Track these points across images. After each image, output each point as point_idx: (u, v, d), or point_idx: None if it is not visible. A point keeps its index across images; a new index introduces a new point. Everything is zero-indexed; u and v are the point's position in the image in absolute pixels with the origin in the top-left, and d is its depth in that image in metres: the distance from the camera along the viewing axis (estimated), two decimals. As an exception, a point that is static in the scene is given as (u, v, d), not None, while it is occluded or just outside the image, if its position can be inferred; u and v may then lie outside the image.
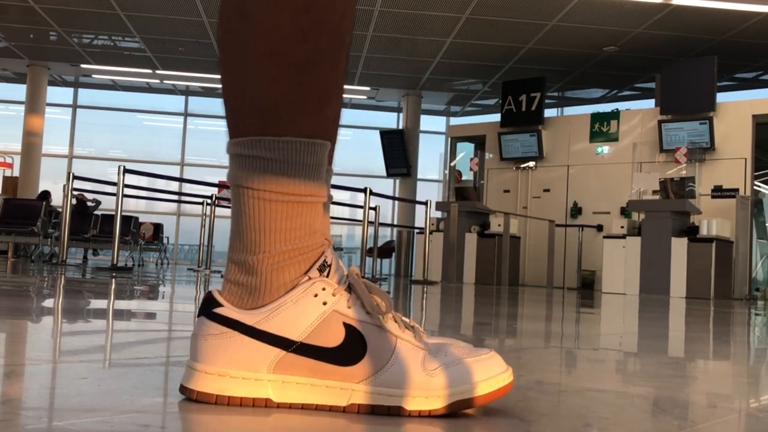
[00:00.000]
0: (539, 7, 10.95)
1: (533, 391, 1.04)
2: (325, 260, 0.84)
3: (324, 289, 0.83)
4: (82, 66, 15.77)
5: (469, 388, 0.82)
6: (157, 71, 15.85)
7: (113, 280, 4.90)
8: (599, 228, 12.41)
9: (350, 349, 0.82)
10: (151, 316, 2.27)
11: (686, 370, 1.48)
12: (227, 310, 0.83)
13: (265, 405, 0.80)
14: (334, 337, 0.82)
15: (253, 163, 0.82)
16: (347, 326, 0.82)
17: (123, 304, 2.70)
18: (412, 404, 0.81)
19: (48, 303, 2.55)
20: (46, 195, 12.98)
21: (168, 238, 17.35)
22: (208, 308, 0.84)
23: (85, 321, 1.90)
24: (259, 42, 0.79)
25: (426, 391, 0.81)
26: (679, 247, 9.50)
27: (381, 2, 11.03)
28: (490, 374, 0.83)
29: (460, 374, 0.82)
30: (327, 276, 0.84)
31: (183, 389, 0.83)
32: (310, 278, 0.83)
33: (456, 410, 0.82)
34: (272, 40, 0.78)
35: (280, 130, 0.81)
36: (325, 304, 0.82)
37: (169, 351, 1.36)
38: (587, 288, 11.94)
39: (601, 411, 0.93)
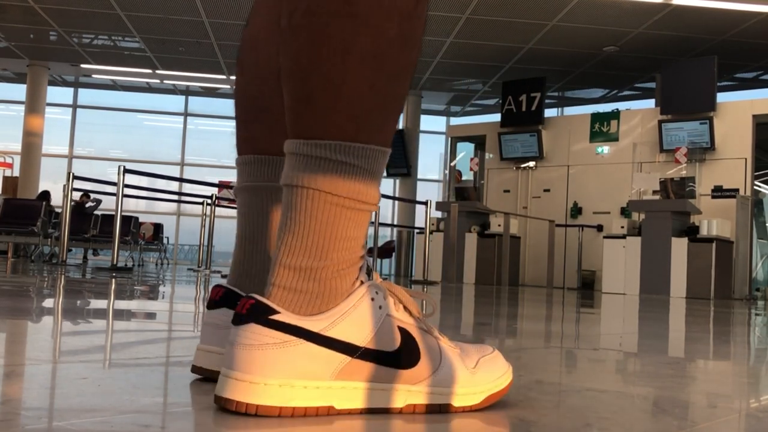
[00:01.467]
0: (539, 7, 10.95)
1: (533, 391, 1.04)
2: (367, 264, 0.84)
3: (377, 293, 0.82)
4: (82, 66, 15.77)
5: (497, 384, 0.89)
6: (157, 71, 15.85)
7: (113, 280, 4.90)
8: (599, 228, 12.41)
9: (408, 352, 0.83)
10: (151, 316, 2.27)
11: (686, 370, 1.48)
12: (287, 316, 0.78)
13: (328, 413, 0.79)
14: (393, 341, 0.82)
15: (337, 168, 0.78)
16: (401, 329, 0.83)
17: (123, 305, 2.70)
18: (458, 401, 0.85)
19: (48, 303, 2.55)
20: (46, 195, 12.98)
21: (168, 238, 17.35)
22: (260, 315, 0.77)
23: (85, 321, 1.90)
24: (366, 44, 0.76)
25: (470, 387, 0.86)
26: (679, 247, 9.49)
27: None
28: (500, 372, 0.90)
29: (489, 371, 0.89)
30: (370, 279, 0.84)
31: (232, 403, 0.77)
32: (362, 282, 0.82)
33: (487, 405, 0.88)
34: (379, 44, 0.77)
35: (366, 138, 0.79)
36: (380, 308, 0.82)
37: (169, 351, 1.36)
38: (587, 288, 11.94)
39: (601, 411, 0.93)
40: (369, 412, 0.80)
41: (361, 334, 0.80)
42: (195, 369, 0.99)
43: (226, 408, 0.77)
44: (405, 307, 0.85)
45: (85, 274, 6.02)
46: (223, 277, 7.07)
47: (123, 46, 14.44)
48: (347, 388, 0.79)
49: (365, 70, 0.77)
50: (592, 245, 12.25)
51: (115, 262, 7.55)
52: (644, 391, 1.14)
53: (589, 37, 12.08)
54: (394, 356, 0.81)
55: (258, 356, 0.77)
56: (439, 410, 0.83)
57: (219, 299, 0.98)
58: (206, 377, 0.98)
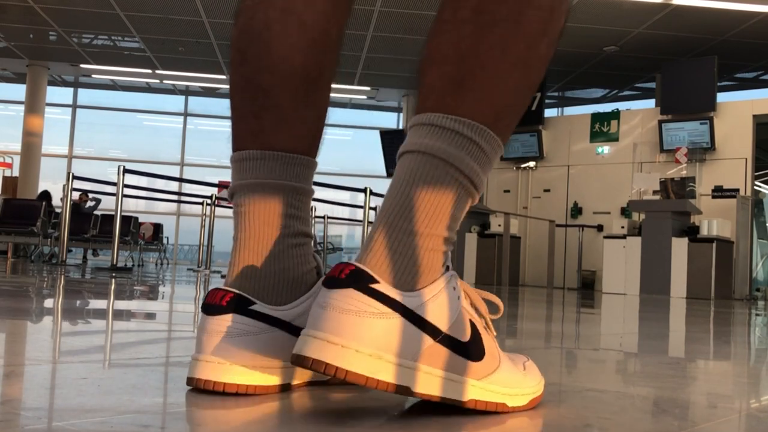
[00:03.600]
0: (539, 7, 10.94)
1: (533, 392, 1.04)
2: (449, 256, 0.86)
3: (458, 283, 0.85)
4: (82, 66, 15.78)
5: (539, 388, 0.92)
6: (157, 71, 15.86)
7: (113, 280, 4.90)
8: (599, 228, 12.41)
9: (476, 346, 0.84)
10: (150, 316, 2.27)
11: (687, 371, 1.48)
12: (387, 288, 0.77)
13: (404, 393, 0.78)
14: (465, 332, 0.83)
15: (470, 147, 0.83)
16: (471, 323, 0.84)
17: (123, 305, 2.70)
18: (512, 401, 0.86)
19: (48, 303, 2.55)
20: (46, 195, 12.98)
21: (168, 238, 17.35)
22: (361, 282, 0.77)
23: (84, 321, 1.90)
24: (521, 51, 0.84)
25: (522, 389, 0.88)
26: (680, 247, 9.50)
27: (381, 2, 11.03)
28: (539, 377, 0.94)
29: (533, 375, 0.92)
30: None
31: (320, 364, 0.75)
32: (449, 268, 0.84)
33: (531, 407, 0.90)
34: (530, 54, 0.85)
35: (498, 130, 0.85)
36: (458, 298, 0.83)
37: (169, 351, 1.36)
38: (587, 288, 11.94)
39: (601, 411, 0.93)
40: (434, 400, 0.80)
41: (444, 319, 0.80)
42: (218, 386, 0.88)
43: (312, 368, 0.75)
44: (472, 304, 0.87)
45: (84, 274, 6.03)
46: (223, 277, 7.07)
47: (123, 46, 14.44)
48: (425, 372, 0.79)
49: (515, 73, 0.84)
50: (592, 245, 12.25)
51: (114, 262, 7.55)
52: (644, 392, 1.14)
53: (589, 37, 12.08)
54: (466, 347, 0.82)
55: (354, 322, 0.75)
56: (495, 409, 0.85)
57: (226, 304, 0.90)
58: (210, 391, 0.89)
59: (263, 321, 0.91)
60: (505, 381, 0.86)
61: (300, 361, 0.76)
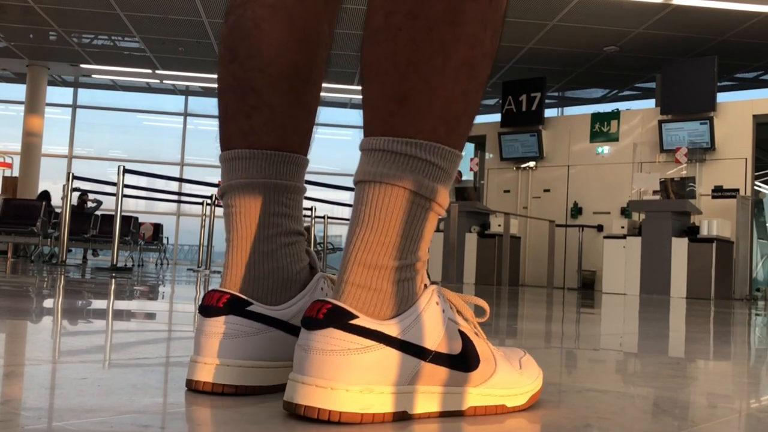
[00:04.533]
0: (539, 7, 10.95)
1: (533, 392, 1.04)
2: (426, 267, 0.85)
3: (440, 296, 0.83)
4: (82, 66, 15.78)
5: (536, 384, 0.92)
6: (157, 71, 15.86)
7: (113, 280, 4.90)
8: (599, 228, 12.41)
9: (469, 355, 0.83)
10: (150, 316, 2.27)
11: (687, 371, 1.48)
12: (367, 321, 0.76)
13: (402, 418, 0.78)
14: (457, 345, 0.82)
15: (424, 168, 0.79)
16: (461, 333, 0.83)
17: (123, 305, 2.70)
18: (511, 401, 0.87)
19: (48, 303, 2.55)
20: (46, 195, 12.98)
21: (168, 238, 17.35)
22: (341, 320, 0.75)
23: (84, 321, 1.90)
24: (464, 52, 0.79)
25: (520, 388, 0.88)
26: (680, 247, 9.49)
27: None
28: (537, 372, 0.93)
29: (529, 371, 0.92)
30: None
31: (313, 411, 0.74)
32: (426, 285, 0.82)
33: (530, 405, 0.90)
34: (474, 54, 0.79)
35: (453, 141, 0.81)
36: (444, 312, 0.82)
37: (169, 351, 1.36)
38: (587, 288, 11.94)
39: (601, 411, 0.93)
40: (441, 415, 0.81)
41: (431, 338, 0.80)
42: (216, 388, 0.88)
43: (305, 415, 0.74)
44: (458, 312, 0.86)
45: (84, 274, 6.03)
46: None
47: (123, 46, 14.44)
48: (421, 392, 0.79)
49: (461, 77, 0.79)
50: (592, 245, 12.25)
51: (114, 263, 7.55)
52: (644, 392, 1.14)
53: (589, 37, 12.08)
54: (459, 359, 0.82)
55: (339, 362, 0.75)
56: (496, 411, 0.85)
57: (223, 306, 0.90)
58: (213, 392, 0.89)
59: (260, 321, 0.91)
60: (502, 383, 0.86)
61: (292, 408, 0.76)
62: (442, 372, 0.80)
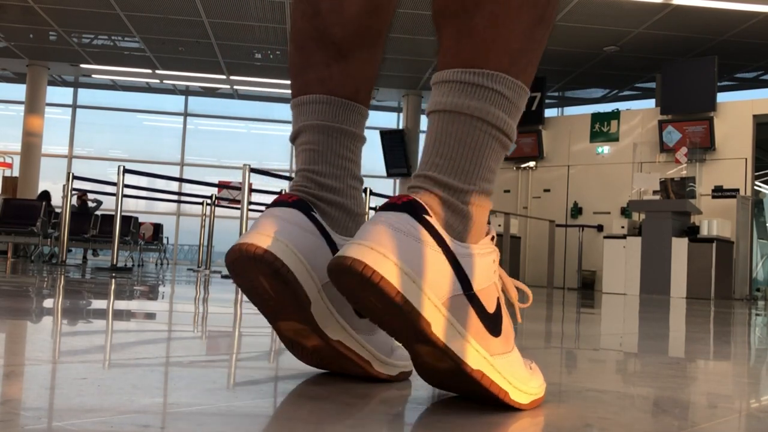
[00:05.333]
0: (539, 7, 10.94)
1: (533, 392, 1.04)
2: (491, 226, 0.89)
3: (496, 258, 0.87)
4: (82, 66, 15.78)
5: (540, 390, 0.91)
6: (157, 71, 15.86)
7: (113, 280, 4.90)
8: (599, 228, 12.41)
9: (496, 322, 0.85)
10: (150, 316, 2.27)
11: (687, 371, 1.48)
12: (436, 223, 0.81)
13: (423, 328, 0.78)
14: (492, 305, 0.85)
15: (491, 96, 0.84)
16: (497, 300, 0.86)
17: (123, 305, 2.70)
18: (515, 395, 0.86)
19: (48, 303, 2.55)
20: (46, 195, 12.98)
21: (168, 238, 17.34)
22: (417, 211, 0.80)
23: (85, 321, 1.90)
24: None
25: (526, 386, 0.88)
26: (680, 247, 9.49)
27: None
28: (542, 380, 0.93)
29: (538, 377, 0.92)
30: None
31: (360, 264, 0.76)
32: (493, 238, 0.86)
33: (530, 408, 0.89)
34: None
35: (516, 73, 0.86)
36: (494, 272, 0.85)
37: (169, 351, 1.36)
38: (587, 288, 11.95)
39: (601, 411, 0.93)
40: (452, 356, 0.80)
41: (479, 280, 0.83)
42: (259, 251, 0.88)
43: (351, 267, 0.76)
44: (503, 288, 0.89)
45: (84, 274, 6.03)
46: (224, 277, 7.07)
47: (123, 46, 14.44)
48: (445, 318, 0.79)
49: (523, 15, 0.85)
50: (592, 245, 12.25)
51: (114, 263, 7.56)
52: (644, 392, 1.14)
53: (589, 37, 12.09)
54: (488, 317, 0.84)
55: (401, 239, 0.78)
56: (498, 393, 0.84)
57: (292, 202, 0.96)
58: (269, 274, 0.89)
59: (318, 228, 0.95)
60: (513, 369, 0.87)
61: (340, 260, 0.78)
62: (470, 314, 0.82)
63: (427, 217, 0.80)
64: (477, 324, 0.82)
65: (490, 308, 0.84)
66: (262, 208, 6.98)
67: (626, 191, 11.64)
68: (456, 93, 0.85)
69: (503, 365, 0.85)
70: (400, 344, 0.89)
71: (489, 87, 0.84)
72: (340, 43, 1.03)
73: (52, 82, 17.23)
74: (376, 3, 1.04)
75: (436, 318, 0.78)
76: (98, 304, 2.65)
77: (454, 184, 0.83)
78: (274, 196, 1.25)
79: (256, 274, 0.91)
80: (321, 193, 1.00)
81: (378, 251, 0.77)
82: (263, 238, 0.90)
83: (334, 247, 0.96)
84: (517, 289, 0.93)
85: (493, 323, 0.84)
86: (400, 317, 0.78)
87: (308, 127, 1.03)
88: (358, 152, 1.07)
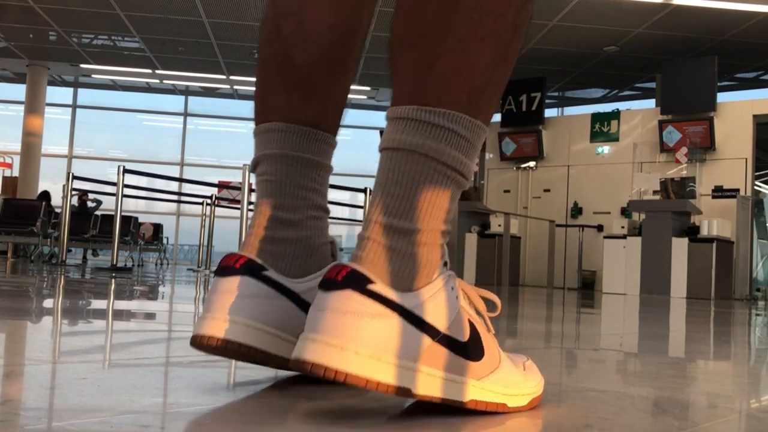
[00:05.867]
0: (539, 7, 10.95)
1: (533, 392, 1.04)
2: (446, 251, 0.85)
3: (456, 282, 0.83)
4: (82, 66, 15.78)
5: (538, 388, 0.91)
6: (157, 71, 15.86)
7: (113, 280, 4.90)
8: (600, 228, 12.41)
9: (475, 346, 0.83)
10: (150, 316, 2.27)
11: (687, 371, 1.48)
12: (384, 288, 0.76)
13: (405, 395, 0.77)
14: (464, 332, 0.82)
15: (448, 136, 0.81)
16: (470, 323, 0.84)
17: (123, 305, 2.70)
18: (512, 401, 0.86)
19: (48, 303, 2.55)
20: (46, 195, 12.98)
21: (168, 238, 17.34)
22: (359, 284, 0.76)
23: (84, 321, 1.90)
24: (490, 24, 0.81)
25: (522, 389, 0.88)
26: (680, 247, 9.49)
27: (381, 2, 11.02)
28: (539, 377, 0.93)
29: (533, 375, 0.91)
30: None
31: (320, 368, 0.74)
32: (447, 265, 0.83)
33: (530, 408, 0.89)
34: (499, 26, 0.82)
35: (475, 112, 0.83)
36: (456, 298, 0.82)
37: (169, 351, 1.36)
38: (587, 288, 11.94)
39: (601, 411, 0.93)
40: (435, 401, 0.80)
41: (442, 319, 0.80)
42: (220, 343, 0.87)
43: (312, 372, 0.74)
44: (471, 303, 0.86)
45: (84, 274, 6.03)
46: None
47: (123, 46, 14.44)
48: (426, 374, 0.78)
49: (486, 49, 0.81)
50: (592, 245, 12.25)
51: (114, 263, 7.56)
52: (645, 392, 1.14)
53: (589, 37, 12.08)
54: (466, 347, 0.82)
55: (353, 323, 0.75)
56: (496, 409, 0.84)
57: (239, 267, 0.91)
58: (223, 355, 0.89)
59: (274, 288, 0.92)
60: (505, 381, 0.86)
61: (299, 365, 0.75)
62: (446, 355, 0.80)
63: (372, 287, 0.76)
64: (458, 361, 0.81)
65: (465, 336, 0.82)
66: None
67: (626, 191, 11.64)
68: (412, 131, 0.81)
69: (494, 382, 0.84)
70: None
71: (447, 127, 0.81)
72: (302, 68, 0.99)
73: (52, 82, 17.23)
74: (343, 25, 1.00)
75: (416, 380, 0.77)
76: (98, 304, 2.65)
77: (405, 228, 0.79)
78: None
79: (228, 356, 0.91)
80: (275, 233, 0.96)
81: (333, 345, 0.74)
82: (219, 324, 0.88)
83: (296, 299, 0.93)
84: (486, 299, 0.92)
85: (473, 349, 0.82)
86: (382, 390, 0.76)
87: (266, 157, 1.00)
88: (322, 181, 1.02)
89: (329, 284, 0.77)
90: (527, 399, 0.88)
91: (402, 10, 0.83)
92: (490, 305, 0.93)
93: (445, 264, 0.83)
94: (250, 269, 0.92)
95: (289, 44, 0.99)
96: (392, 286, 0.78)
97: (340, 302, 0.75)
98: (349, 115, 18.89)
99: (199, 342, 0.89)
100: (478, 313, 0.87)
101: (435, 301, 0.79)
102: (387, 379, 0.75)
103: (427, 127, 0.81)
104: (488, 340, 0.86)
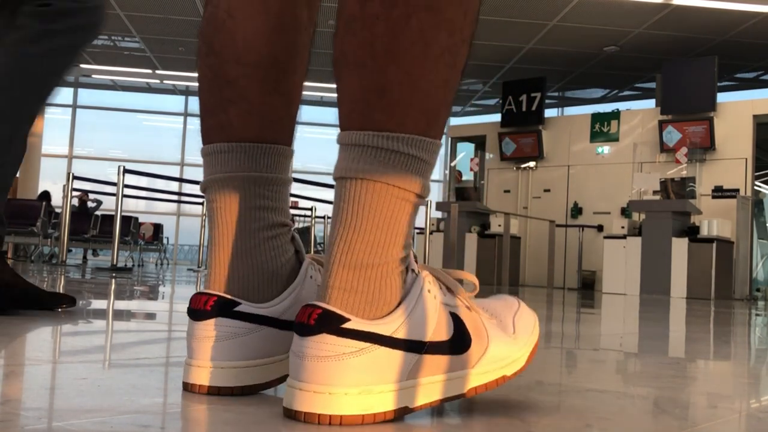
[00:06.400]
0: (539, 7, 10.95)
1: (533, 392, 1.04)
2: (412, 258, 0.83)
3: (429, 281, 0.81)
4: (82, 66, 15.78)
5: (532, 340, 0.92)
6: (157, 71, 15.86)
7: (113, 280, 4.90)
8: (600, 228, 12.41)
9: (461, 337, 0.82)
10: (150, 316, 2.27)
11: (687, 371, 1.48)
12: (359, 323, 0.75)
13: (404, 413, 0.78)
14: (449, 328, 0.81)
15: (407, 162, 0.77)
16: (452, 314, 0.82)
17: (123, 305, 2.70)
18: (511, 369, 0.87)
19: (48, 303, 2.54)
20: (46, 195, 12.98)
21: (168, 238, 17.35)
22: (333, 325, 0.74)
23: (84, 321, 1.90)
24: (444, 39, 0.76)
25: (516, 353, 0.88)
26: (680, 247, 9.49)
27: None
28: (531, 325, 0.94)
29: (524, 329, 0.91)
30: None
31: (314, 417, 0.74)
32: (414, 272, 0.80)
33: (530, 362, 0.90)
34: (454, 40, 0.77)
35: (434, 132, 0.79)
36: (435, 298, 0.81)
37: (169, 351, 1.36)
38: (587, 288, 11.94)
39: (601, 411, 0.93)
40: (443, 402, 0.81)
41: (425, 330, 0.79)
42: (211, 390, 0.88)
43: (306, 421, 0.74)
44: (448, 289, 0.84)
45: (84, 274, 6.03)
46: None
47: (123, 46, 14.44)
48: (422, 384, 0.79)
49: (441, 66, 0.77)
50: (592, 245, 12.25)
51: (114, 263, 7.55)
52: (645, 392, 1.14)
53: (589, 37, 12.08)
54: (452, 343, 0.81)
55: (334, 367, 0.74)
56: (497, 384, 0.85)
57: (211, 308, 0.89)
58: (212, 393, 0.89)
59: (250, 321, 0.90)
60: (498, 355, 0.86)
61: (292, 415, 0.75)
62: (439, 360, 0.80)
63: (345, 325, 0.74)
64: (449, 360, 0.81)
65: (450, 333, 0.81)
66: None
67: (626, 191, 11.64)
68: (369, 158, 0.76)
69: (488, 361, 0.84)
70: None
71: (406, 153, 0.76)
72: (236, 81, 0.93)
73: (52, 82, 17.22)
74: (275, 24, 0.93)
75: (413, 394, 0.78)
76: (98, 304, 2.65)
77: (369, 263, 0.76)
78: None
79: (224, 395, 0.90)
80: (233, 265, 0.93)
81: (321, 392, 0.74)
82: (204, 373, 0.88)
83: (275, 322, 0.91)
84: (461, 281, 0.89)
85: (460, 342, 0.81)
86: (380, 420, 0.76)
87: (212, 182, 0.95)
88: (277, 197, 0.96)
89: (303, 329, 0.75)
90: (523, 360, 0.89)
91: (345, 27, 0.77)
92: (468, 286, 0.93)
93: (413, 271, 0.81)
94: (222, 308, 0.89)
95: (222, 59, 0.93)
96: (366, 317, 0.76)
97: (318, 348, 0.74)
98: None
99: (190, 389, 0.89)
100: (455, 296, 0.85)
101: (413, 316, 0.78)
102: (383, 408, 0.76)
103: (385, 155, 0.76)
104: (472, 321, 0.84)
